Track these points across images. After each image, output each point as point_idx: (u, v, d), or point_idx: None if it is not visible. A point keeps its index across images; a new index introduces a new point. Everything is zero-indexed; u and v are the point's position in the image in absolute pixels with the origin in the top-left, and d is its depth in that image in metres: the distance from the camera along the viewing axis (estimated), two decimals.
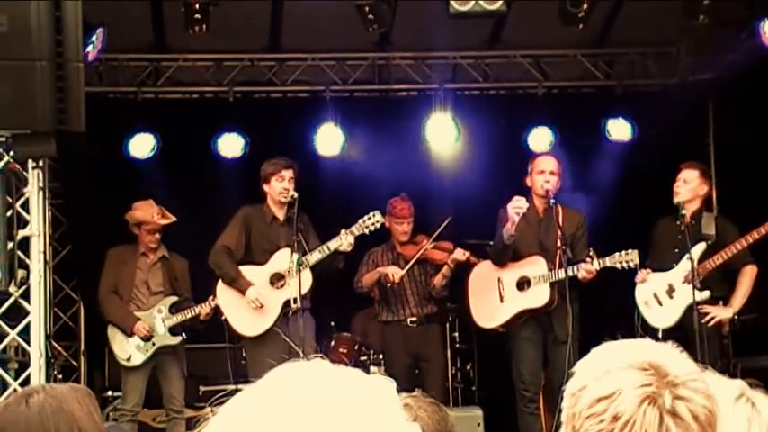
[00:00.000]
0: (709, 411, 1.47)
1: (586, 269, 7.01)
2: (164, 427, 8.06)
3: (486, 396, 8.56)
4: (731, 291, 7.24)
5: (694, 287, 6.84)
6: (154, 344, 7.78)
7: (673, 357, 1.52)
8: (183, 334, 7.95)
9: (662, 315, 7.21)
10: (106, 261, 8.01)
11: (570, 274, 7.03)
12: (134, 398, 7.73)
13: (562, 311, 7.00)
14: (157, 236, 7.94)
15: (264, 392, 1.05)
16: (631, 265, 6.97)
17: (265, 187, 7.48)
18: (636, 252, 6.99)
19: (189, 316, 7.82)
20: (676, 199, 7.18)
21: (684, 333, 6.92)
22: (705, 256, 6.98)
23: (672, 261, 7.18)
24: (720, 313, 7.10)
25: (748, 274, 7.18)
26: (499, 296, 7.34)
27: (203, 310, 7.75)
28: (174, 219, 7.95)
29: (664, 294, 7.23)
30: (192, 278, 8.14)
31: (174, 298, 7.93)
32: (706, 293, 6.97)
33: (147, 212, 7.92)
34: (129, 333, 7.77)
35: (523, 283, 7.27)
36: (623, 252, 7.01)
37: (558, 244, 7.08)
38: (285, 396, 1.03)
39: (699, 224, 7.10)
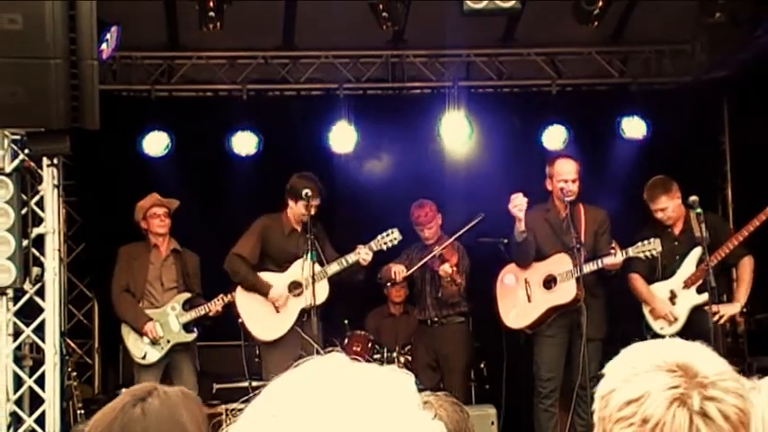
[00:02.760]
0: (741, 410, 1.45)
1: (610, 262, 7.01)
2: None
3: (500, 394, 8.52)
4: (730, 286, 7.33)
5: (711, 290, 6.82)
6: (168, 341, 7.79)
7: (702, 357, 1.50)
8: (196, 330, 7.97)
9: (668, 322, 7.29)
10: (118, 259, 8.00)
11: (594, 268, 7.03)
12: None
13: (591, 309, 6.98)
14: (167, 221, 7.92)
15: (288, 389, 1.06)
16: (654, 253, 6.99)
17: (291, 201, 7.51)
18: (658, 241, 7.00)
19: (202, 313, 7.84)
20: (668, 223, 7.31)
21: (692, 336, 6.92)
22: (702, 259, 7.01)
23: (675, 268, 7.24)
24: (728, 310, 7.17)
25: (747, 266, 7.28)
26: (527, 296, 7.34)
27: (214, 307, 7.78)
28: (177, 202, 7.96)
29: (667, 302, 7.29)
30: (203, 275, 8.15)
31: (188, 294, 7.94)
32: (704, 296, 7.02)
33: (150, 198, 7.95)
34: (139, 332, 7.78)
35: (550, 282, 7.26)
36: (645, 241, 7.03)
37: (580, 243, 7.07)
38: (307, 391, 1.04)
39: (691, 229, 7.13)
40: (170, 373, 7.85)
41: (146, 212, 7.92)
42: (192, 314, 7.84)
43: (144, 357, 7.77)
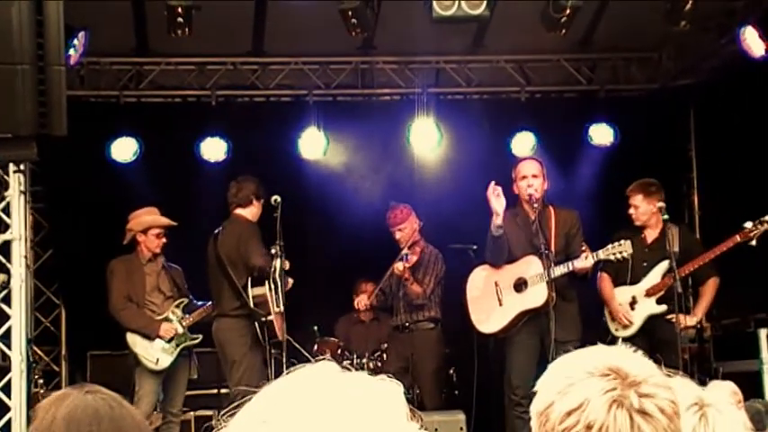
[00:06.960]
0: (673, 402, 1.52)
1: (580, 265, 7.02)
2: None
3: (469, 400, 8.54)
4: (693, 301, 7.55)
5: (678, 297, 6.95)
6: (177, 345, 7.75)
7: (629, 359, 1.56)
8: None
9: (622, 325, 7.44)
10: (112, 274, 7.83)
11: (565, 270, 7.04)
12: (150, 401, 7.62)
13: (560, 312, 6.97)
14: (164, 240, 7.90)
15: (279, 396, 1.07)
16: (625, 255, 7.01)
17: (255, 204, 7.56)
18: (629, 242, 7.02)
19: (204, 314, 7.85)
20: (637, 223, 7.46)
21: (646, 342, 7.07)
22: (669, 271, 7.17)
23: (641, 274, 7.38)
24: (686, 321, 7.32)
25: (711, 287, 7.55)
26: (498, 300, 7.30)
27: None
28: (175, 223, 7.93)
29: (626, 306, 7.44)
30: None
31: (185, 300, 7.95)
32: (663, 307, 7.25)
33: (155, 216, 7.89)
34: (154, 337, 7.69)
35: (521, 285, 7.24)
36: (615, 243, 7.03)
37: (550, 247, 7.08)
38: (298, 399, 1.05)
39: (664, 241, 7.23)
40: (165, 378, 7.78)
41: (147, 228, 7.86)
42: (194, 317, 7.88)
43: (157, 363, 7.68)
